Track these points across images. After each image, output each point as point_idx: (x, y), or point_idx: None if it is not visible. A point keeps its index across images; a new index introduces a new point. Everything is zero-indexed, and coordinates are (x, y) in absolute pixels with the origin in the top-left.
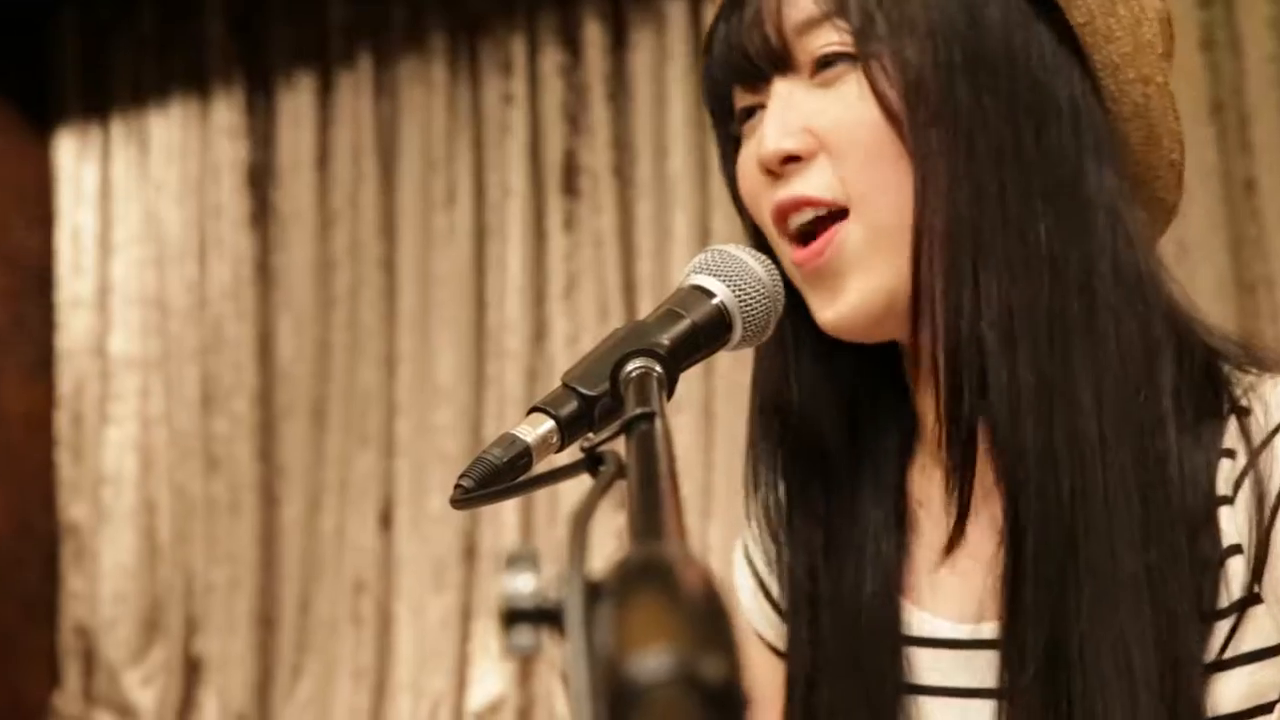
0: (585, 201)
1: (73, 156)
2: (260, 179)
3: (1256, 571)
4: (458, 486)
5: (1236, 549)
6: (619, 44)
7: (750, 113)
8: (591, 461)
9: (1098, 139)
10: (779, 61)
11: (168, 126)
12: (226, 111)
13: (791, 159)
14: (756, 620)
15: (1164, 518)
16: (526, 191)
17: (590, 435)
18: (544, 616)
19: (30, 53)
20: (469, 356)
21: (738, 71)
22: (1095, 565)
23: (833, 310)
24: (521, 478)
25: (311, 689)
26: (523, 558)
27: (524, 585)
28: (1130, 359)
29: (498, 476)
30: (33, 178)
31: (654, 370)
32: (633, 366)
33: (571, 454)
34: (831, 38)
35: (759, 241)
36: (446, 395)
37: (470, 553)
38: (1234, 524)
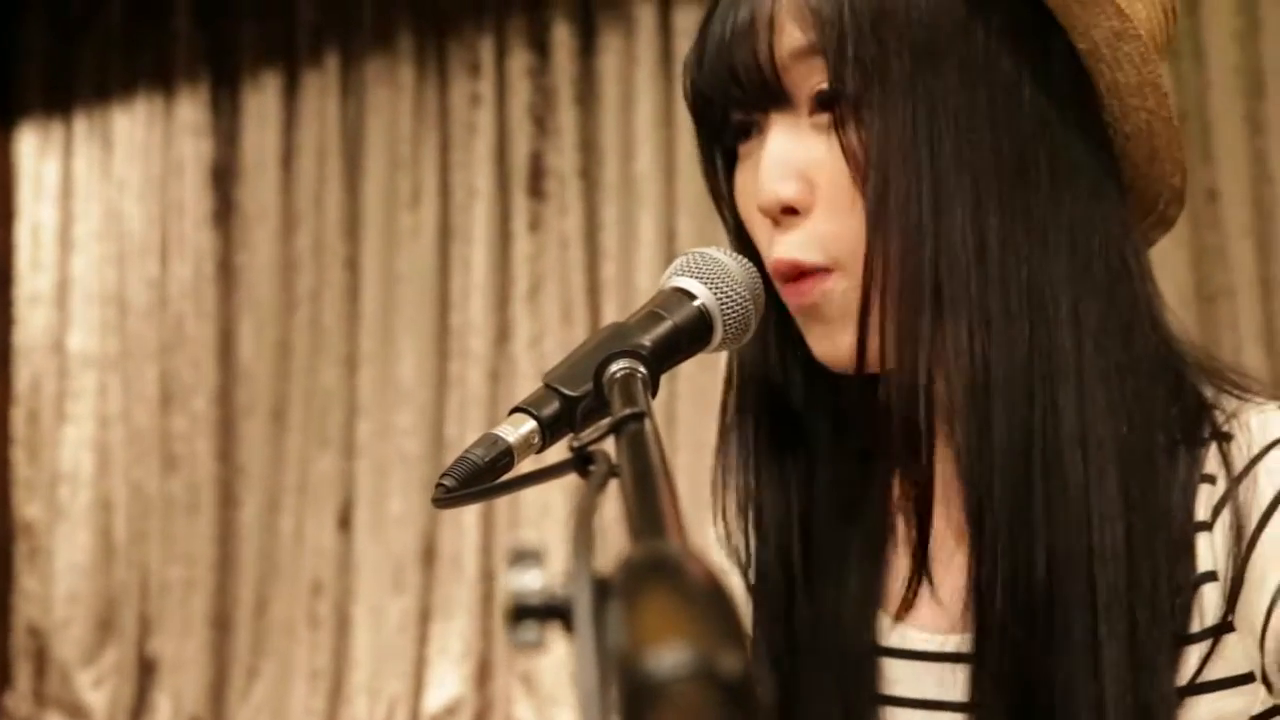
0: (551, 203)
1: (34, 152)
2: (224, 177)
3: (1231, 600)
4: (439, 485)
5: (1211, 575)
6: (587, 47)
7: (746, 129)
8: (580, 461)
9: (1093, 169)
10: (774, 97)
11: (131, 123)
12: (191, 109)
13: (790, 209)
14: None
15: (1146, 543)
16: (492, 192)
17: (573, 436)
18: (551, 613)
19: None
20: (431, 357)
21: (729, 94)
22: (1078, 587)
23: (830, 349)
24: (504, 477)
25: (267, 691)
26: (529, 554)
27: (532, 581)
28: (1122, 399)
29: (479, 476)
30: None
31: (639, 371)
32: (617, 368)
33: (554, 455)
34: (824, 75)
35: (741, 245)
36: (408, 396)
37: (429, 555)
38: (1211, 550)
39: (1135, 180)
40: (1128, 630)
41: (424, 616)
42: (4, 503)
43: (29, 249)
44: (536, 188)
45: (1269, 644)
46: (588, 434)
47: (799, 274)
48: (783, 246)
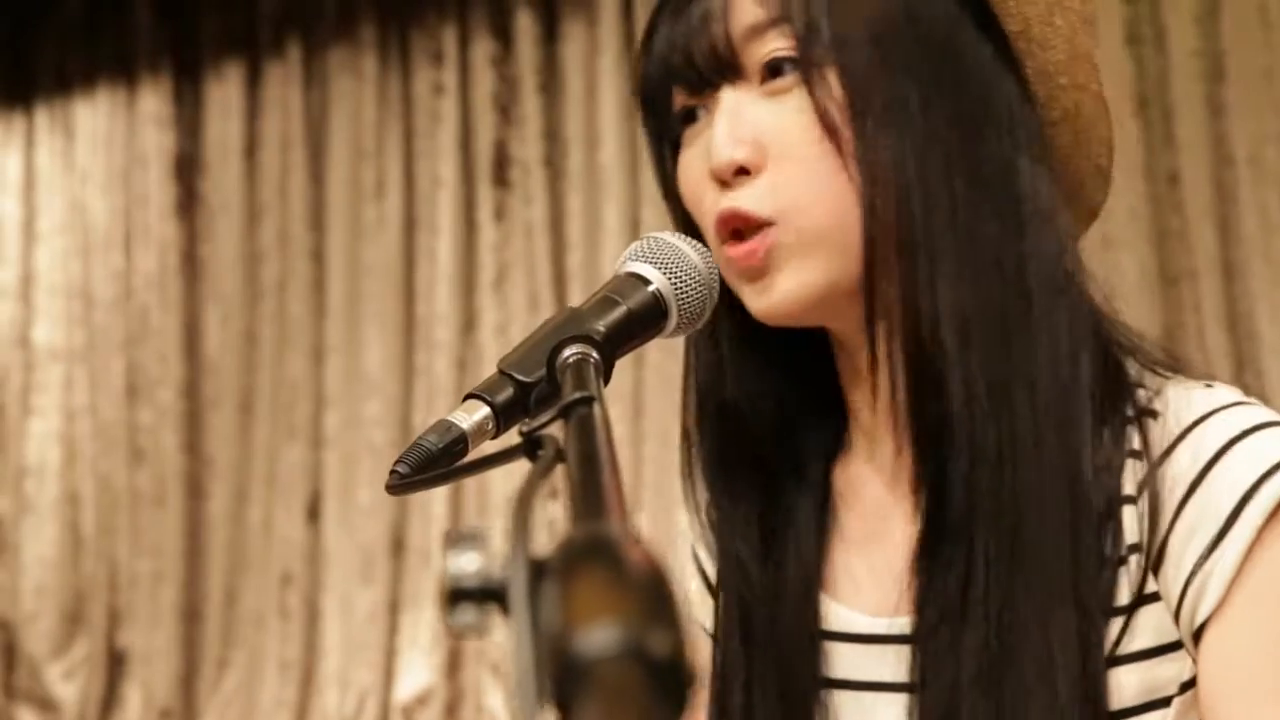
0: (516, 192)
1: None
2: (188, 169)
3: (1154, 571)
4: (393, 472)
5: (1136, 548)
6: (550, 35)
7: (691, 114)
8: (530, 446)
9: (1031, 143)
10: (727, 69)
11: (94, 115)
12: (154, 100)
13: (741, 170)
14: (703, 616)
15: (1080, 515)
16: (457, 182)
17: (527, 421)
18: (487, 595)
19: None
20: (398, 348)
21: (681, 76)
22: (1028, 563)
23: (765, 299)
24: (458, 463)
25: (237, 682)
26: (466, 537)
27: (468, 564)
28: (1059, 359)
29: (433, 462)
30: None
31: (591, 356)
32: (569, 353)
33: (508, 440)
34: (779, 43)
35: (690, 233)
36: (375, 386)
37: (398, 545)
38: (1135, 523)
39: (1058, 165)
40: (1070, 602)
41: (394, 607)
42: None
43: None
44: (501, 177)
45: (1183, 620)
46: (539, 419)
47: (741, 233)
48: (730, 199)
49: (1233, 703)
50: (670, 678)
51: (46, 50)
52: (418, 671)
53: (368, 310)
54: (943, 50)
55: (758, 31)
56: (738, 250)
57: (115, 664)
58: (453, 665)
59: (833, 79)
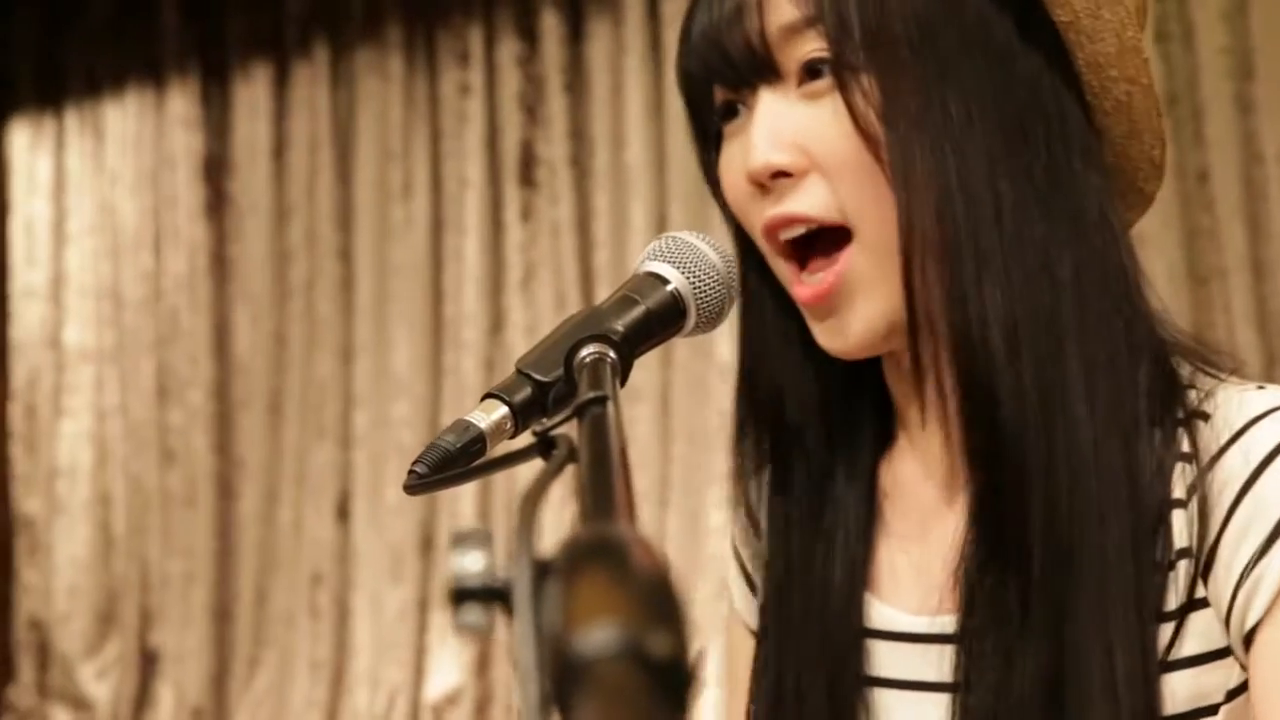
0: (542, 192)
1: (27, 147)
2: (216, 169)
3: (1204, 576)
4: (411, 472)
5: (1186, 552)
6: (576, 35)
7: (732, 108)
8: (544, 446)
9: (1083, 138)
10: (763, 69)
11: (123, 117)
12: (182, 102)
13: (781, 174)
14: (744, 612)
15: (1133, 518)
16: (483, 182)
17: (543, 421)
18: (493, 595)
19: None
20: (426, 347)
21: (719, 74)
22: (1090, 569)
23: (832, 338)
24: (474, 463)
25: (268, 681)
26: (472, 537)
27: (473, 564)
28: (1117, 364)
29: (451, 462)
30: None
31: (608, 356)
32: (587, 352)
33: (526, 440)
34: (815, 44)
35: (743, 242)
36: (404, 386)
37: (428, 544)
38: (1185, 528)
39: (1113, 158)
40: (1119, 607)
41: (423, 605)
42: (3, 498)
43: (23, 244)
44: (528, 177)
45: (1233, 625)
46: (554, 419)
47: (804, 234)
48: (778, 204)
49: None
50: (670, 679)
51: (75, 53)
52: (448, 670)
53: (396, 310)
54: (985, 48)
55: (794, 31)
56: (809, 292)
57: (147, 663)
58: (483, 664)
59: (868, 82)
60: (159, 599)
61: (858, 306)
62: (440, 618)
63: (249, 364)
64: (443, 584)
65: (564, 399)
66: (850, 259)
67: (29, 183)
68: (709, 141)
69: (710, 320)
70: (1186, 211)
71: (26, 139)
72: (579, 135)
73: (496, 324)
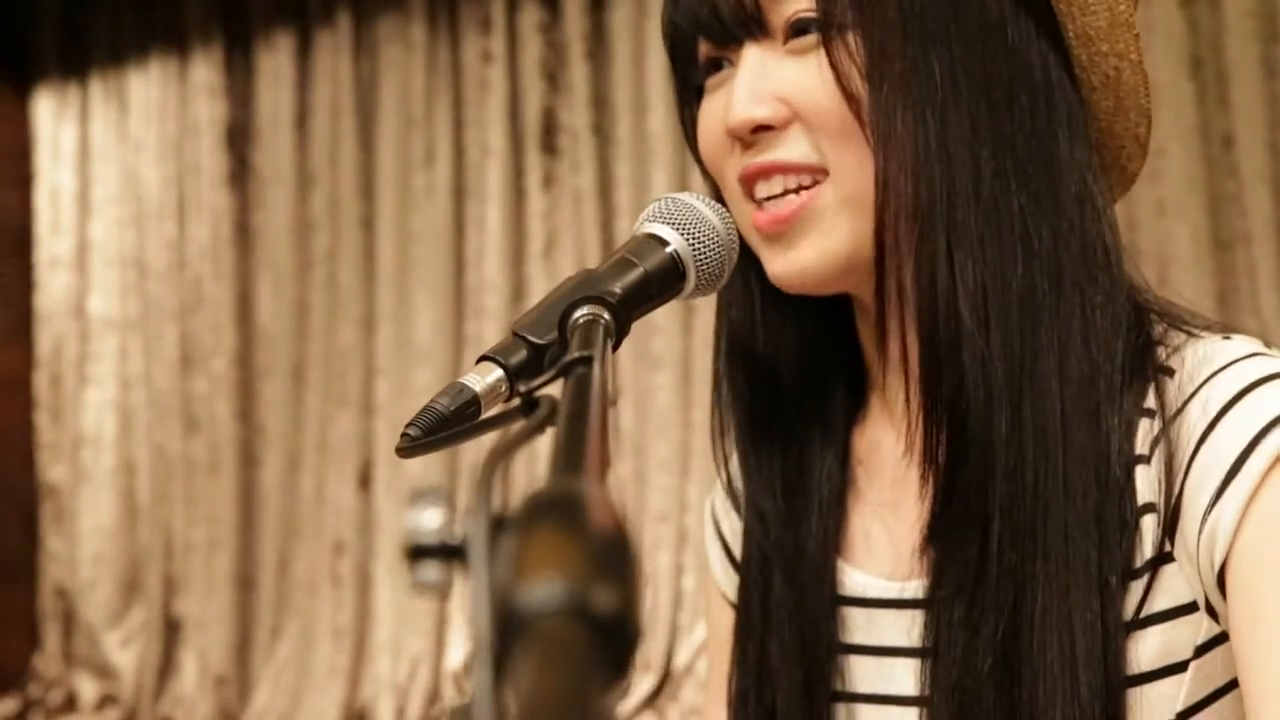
0: (564, 159)
1: (51, 116)
2: (239, 138)
3: (1169, 530)
4: (404, 435)
5: (1150, 508)
6: (597, 2)
7: (716, 64)
8: (528, 406)
9: (1069, 111)
10: (751, 24)
11: (146, 86)
12: (205, 70)
13: (762, 128)
14: (722, 581)
15: (1106, 490)
16: (505, 150)
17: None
18: (449, 552)
19: (8, 12)
20: (448, 316)
21: (705, 27)
22: (1051, 540)
23: (784, 264)
24: (464, 425)
25: (291, 649)
26: (429, 494)
27: (429, 521)
28: (1092, 338)
29: (445, 425)
30: (11, 137)
31: (602, 317)
32: (580, 314)
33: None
34: (804, 3)
35: (716, 191)
36: (425, 355)
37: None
38: (1148, 483)
39: (1097, 134)
40: (1079, 582)
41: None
42: (28, 466)
43: (48, 213)
44: (550, 144)
45: (1203, 571)
46: (539, 379)
47: (780, 192)
48: (759, 154)
49: (1256, 628)
50: (613, 636)
51: (100, 23)
52: (469, 639)
53: (418, 278)
54: (976, 14)
55: None
56: (767, 218)
57: (171, 631)
58: None
59: (854, 41)
60: (182, 567)
61: (813, 240)
62: (462, 585)
63: (272, 332)
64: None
65: (557, 361)
66: (819, 194)
67: (54, 152)
68: (689, 95)
69: (710, 282)
70: (1211, 176)
71: (51, 108)
72: (601, 102)
73: (518, 292)
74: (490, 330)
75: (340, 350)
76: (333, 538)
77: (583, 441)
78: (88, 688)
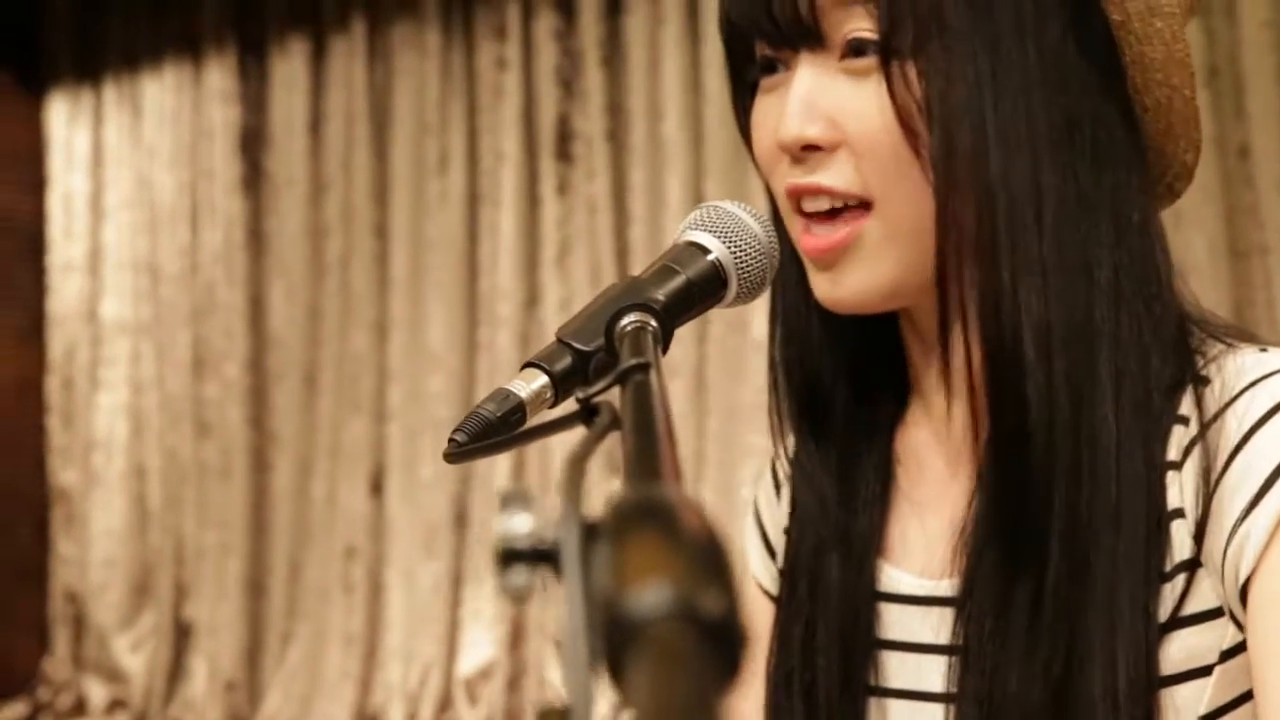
0: (579, 166)
1: (65, 120)
2: (253, 143)
3: (1198, 537)
4: (451, 440)
5: (1180, 513)
6: (613, 9)
7: (771, 65)
8: (586, 413)
9: (1128, 139)
10: (808, 35)
11: (160, 90)
12: (219, 75)
13: (811, 147)
14: (759, 572)
15: (1132, 484)
16: (520, 157)
17: (584, 388)
18: (539, 557)
19: (23, 16)
20: (461, 322)
21: (763, 30)
22: (1099, 572)
23: (829, 290)
24: (515, 431)
25: (302, 655)
26: (518, 498)
27: (520, 525)
28: (1148, 365)
29: (491, 431)
30: (24, 142)
31: (649, 325)
32: (628, 321)
33: (565, 409)
34: (863, 22)
35: (773, 201)
36: (438, 361)
37: (461, 519)
38: (1179, 489)
39: (1148, 154)
40: (1127, 613)
41: (456, 580)
42: (40, 469)
43: (61, 218)
44: (564, 151)
45: (1227, 582)
46: (596, 386)
47: (827, 209)
48: (805, 174)
49: (1273, 640)
50: (723, 639)
51: (114, 27)
52: (481, 645)
53: (431, 285)
54: (1037, 42)
55: (843, 4)
56: (816, 244)
57: (182, 636)
58: (515, 638)
59: (914, 69)
60: (193, 571)
61: (860, 267)
62: (474, 592)
63: (284, 338)
64: (479, 560)
65: (605, 368)
66: (864, 227)
67: (67, 157)
68: (743, 88)
69: (751, 290)
70: (1227, 187)
71: (65, 113)
72: (616, 110)
73: (532, 299)
74: (503, 337)
75: (353, 356)
76: (344, 543)
77: (655, 448)
78: (97, 692)
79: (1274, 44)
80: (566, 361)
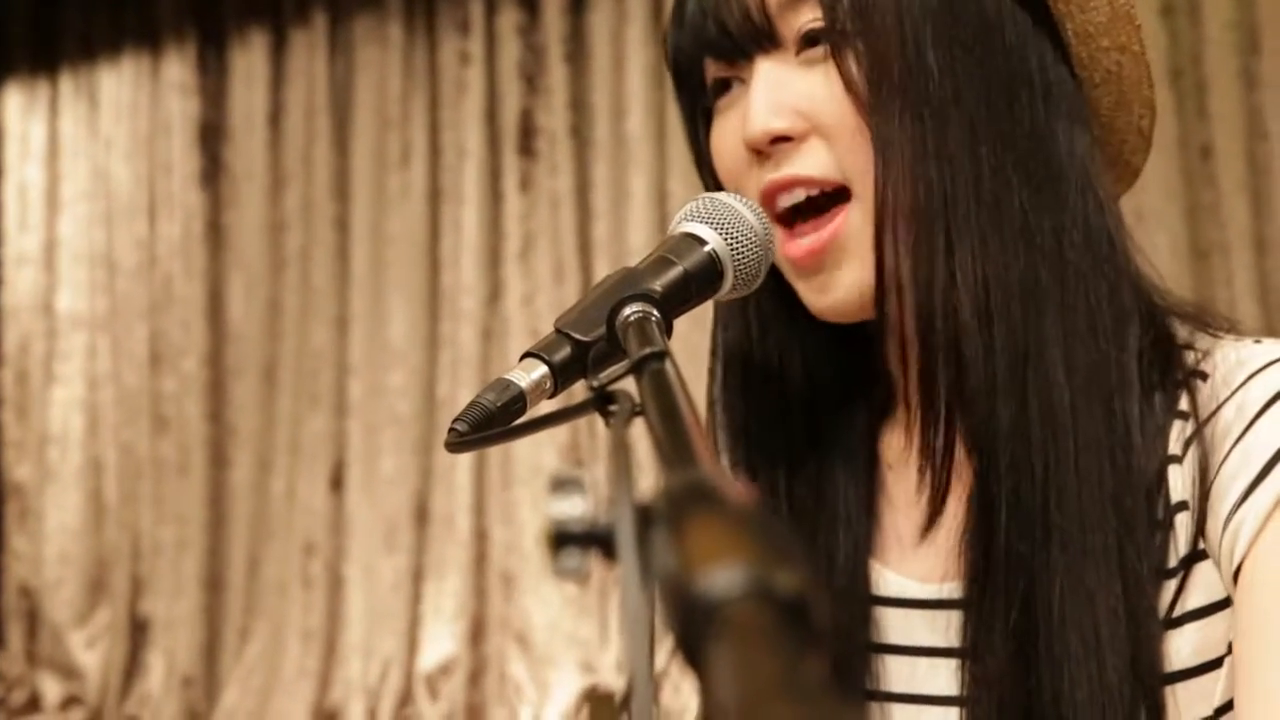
0: (542, 162)
1: (20, 111)
2: (212, 136)
3: (1200, 527)
4: (452, 430)
5: (1183, 505)
6: (577, 4)
7: (725, 85)
8: (601, 401)
9: (1069, 105)
10: (762, 38)
11: (118, 82)
12: (178, 68)
13: (781, 139)
14: None
15: (1127, 481)
16: (482, 152)
17: (590, 378)
18: (593, 540)
19: None
20: (422, 318)
21: (714, 46)
22: (1066, 531)
23: (826, 298)
24: (521, 420)
25: (260, 651)
26: (570, 481)
27: (573, 508)
28: (1100, 328)
29: (491, 421)
30: None
31: (653, 315)
32: (630, 311)
33: (558, 402)
34: (813, 14)
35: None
36: (399, 356)
37: (421, 515)
38: (1181, 482)
39: (1099, 130)
40: (1116, 570)
41: (417, 576)
42: None
43: (16, 209)
44: (527, 146)
45: (1223, 567)
46: (608, 374)
47: (805, 201)
48: (777, 168)
49: (1255, 622)
50: (799, 614)
51: (71, 17)
52: (441, 640)
53: (392, 280)
54: (973, 17)
55: (793, 1)
56: (801, 250)
57: (138, 632)
58: (476, 634)
59: (858, 48)
60: (150, 567)
61: (846, 267)
62: (434, 587)
63: (243, 332)
64: (439, 555)
65: (604, 359)
66: (847, 217)
67: (22, 147)
68: (698, 120)
69: (747, 282)
70: (1189, 186)
71: (20, 103)
72: (579, 105)
73: (494, 294)
74: (466, 332)
75: (313, 351)
76: (303, 539)
77: (685, 435)
78: (52, 688)
79: (1236, 45)
80: (566, 352)
